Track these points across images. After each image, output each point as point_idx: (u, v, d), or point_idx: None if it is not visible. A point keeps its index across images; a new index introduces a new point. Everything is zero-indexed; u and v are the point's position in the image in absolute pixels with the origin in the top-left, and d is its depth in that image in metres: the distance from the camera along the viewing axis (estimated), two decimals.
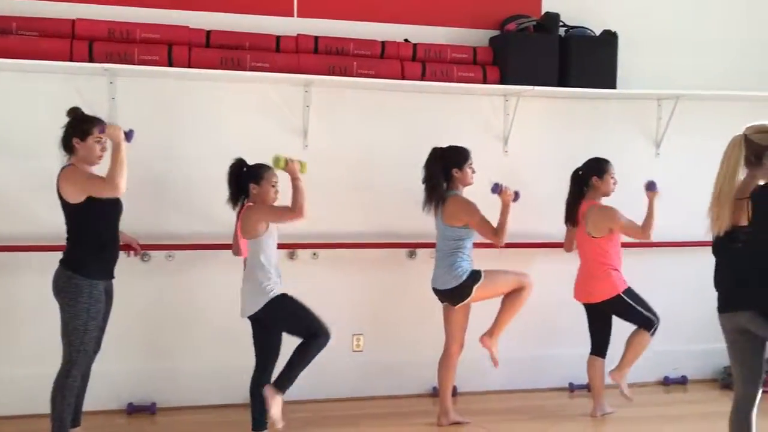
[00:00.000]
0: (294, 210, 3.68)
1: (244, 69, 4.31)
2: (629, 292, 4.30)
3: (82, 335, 3.45)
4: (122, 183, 3.41)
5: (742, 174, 3.09)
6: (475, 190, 4.18)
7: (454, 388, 4.61)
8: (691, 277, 5.14)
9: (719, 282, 3.30)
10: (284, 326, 3.82)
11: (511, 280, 4.12)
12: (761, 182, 3.10)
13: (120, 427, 4.19)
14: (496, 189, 4.10)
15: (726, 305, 3.23)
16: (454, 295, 4.10)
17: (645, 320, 4.28)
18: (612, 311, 4.37)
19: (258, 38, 4.43)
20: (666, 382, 5.15)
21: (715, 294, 5.13)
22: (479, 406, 4.58)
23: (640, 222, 4.29)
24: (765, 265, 3.05)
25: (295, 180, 3.70)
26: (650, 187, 4.33)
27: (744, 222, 3.06)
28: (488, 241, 4.12)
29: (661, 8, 5.17)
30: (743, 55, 5.25)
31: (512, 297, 4.12)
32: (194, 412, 4.40)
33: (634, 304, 4.28)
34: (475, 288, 4.04)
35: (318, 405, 4.56)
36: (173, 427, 4.20)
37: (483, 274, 4.07)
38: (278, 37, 4.47)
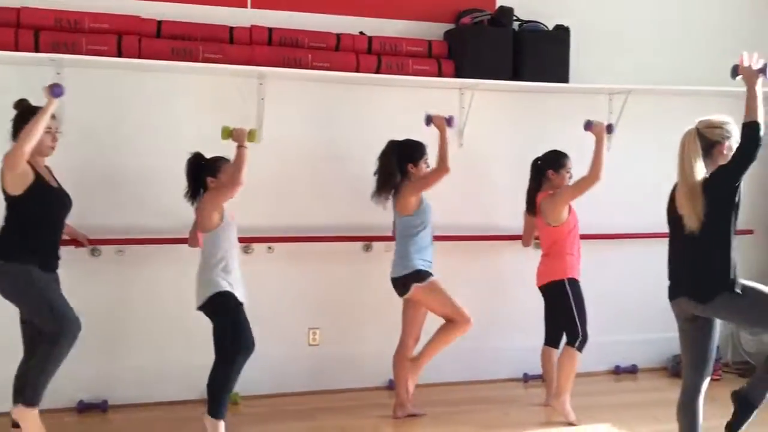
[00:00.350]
0: (232, 181, 3.64)
1: (196, 60, 4.24)
2: (575, 287, 4.25)
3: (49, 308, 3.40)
4: (27, 148, 3.31)
5: (701, 166, 3.17)
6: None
7: None
8: (640, 267, 5.27)
9: (670, 270, 3.40)
10: (216, 327, 3.71)
11: (449, 307, 4.05)
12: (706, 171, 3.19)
13: (70, 425, 4.10)
14: (429, 121, 4.16)
15: (672, 293, 3.33)
16: (399, 285, 4.12)
17: (573, 327, 4.19)
18: (554, 299, 4.33)
19: (211, 29, 4.37)
20: (616, 371, 5.26)
21: (664, 283, 5.29)
22: (435, 398, 4.60)
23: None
24: (701, 254, 3.17)
25: (239, 147, 3.68)
26: (587, 126, 4.31)
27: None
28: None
29: (613, 4, 5.25)
30: (691, 50, 5.37)
31: (446, 330, 4.07)
32: (147, 409, 4.33)
33: (572, 303, 4.21)
34: (413, 286, 4.05)
35: (274, 399, 4.54)
36: (126, 425, 4.13)
37: (428, 281, 4.06)
38: (231, 28, 4.41)
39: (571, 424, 4.20)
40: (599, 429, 4.15)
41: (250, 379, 4.36)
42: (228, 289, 3.71)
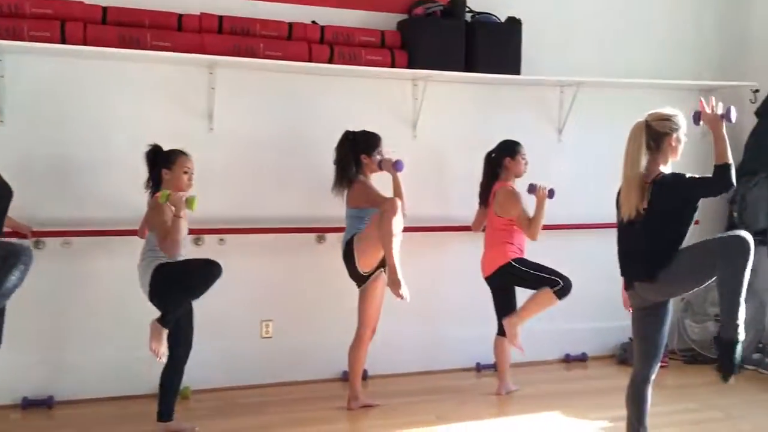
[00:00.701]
0: (163, 241, 3.60)
1: (144, 48, 4.14)
2: (521, 260, 4.38)
3: None
4: None
5: (644, 158, 3.21)
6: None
7: (365, 372, 4.63)
8: (590, 257, 5.35)
9: (622, 262, 3.44)
10: (169, 295, 3.63)
11: (375, 219, 3.95)
12: (662, 167, 3.25)
13: (14, 422, 3.99)
14: (532, 189, 4.31)
15: (627, 283, 3.38)
16: (346, 261, 4.11)
17: (547, 281, 4.28)
18: (509, 282, 4.41)
19: (158, 16, 4.26)
20: (567, 360, 5.34)
21: (612, 274, 5.39)
22: (389, 389, 4.61)
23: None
24: (657, 244, 3.20)
25: (175, 216, 3.59)
26: (530, 189, 4.42)
27: (644, 205, 3.19)
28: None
29: None
30: (640, 43, 5.46)
31: (378, 220, 3.93)
32: (94, 404, 4.23)
33: (528, 269, 4.34)
34: (354, 248, 4.03)
35: (227, 393, 4.48)
36: (72, 421, 4.03)
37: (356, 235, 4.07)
38: (180, 16, 4.32)
39: (516, 345, 4.27)
40: (550, 417, 4.20)
41: (201, 372, 4.33)
42: (159, 262, 3.64)
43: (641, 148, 3.21)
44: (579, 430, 4.03)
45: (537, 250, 4.75)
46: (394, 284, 3.88)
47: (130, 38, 4.13)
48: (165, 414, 3.76)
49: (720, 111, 3.13)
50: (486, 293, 4.54)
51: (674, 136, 3.23)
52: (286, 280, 4.69)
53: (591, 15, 5.36)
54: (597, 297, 5.37)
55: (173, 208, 3.59)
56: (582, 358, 5.37)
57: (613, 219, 5.37)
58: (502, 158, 4.46)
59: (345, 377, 4.54)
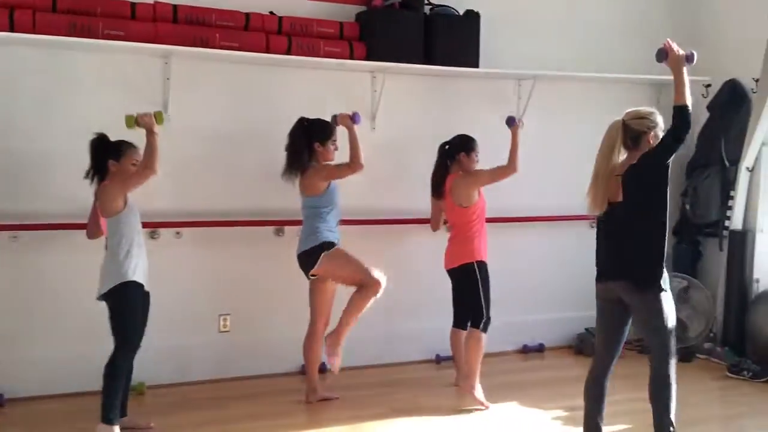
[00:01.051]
0: (145, 167, 3.53)
1: (96, 37, 4.05)
2: (483, 270, 4.32)
3: None
4: None
5: (620, 156, 3.25)
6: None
7: (323, 365, 4.62)
8: (547, 249, 5.43)
9: (597, 254, 3.45)
10: (114, 319, 3.58)
11: (360, 271, 4.02)
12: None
13: None
14: (334, 120, 4.19)
15: (602, 275, 3.38)
16: (304, 258, 4.09)
17: (478, 309, 4.25)
18: (462, 281, 4.39)
19: (111, 4, 4.18)
20: (525, 350, 5.40)
21: (568, 265, 5.49)
22: (348, 381, 4.60)
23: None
24: (636, 239, 3.23)
25: (150, 134, 3.55)
26: (510, 122, 4.45)
27: (620, 198, 3.22)
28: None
29: None
30: (595, 38, 5.54)
31: (360, 296, 4.05)
32: (47, 401, 4.14)
33: (480, 284, 4.28)
34: (323, 256, 4.02)
35: (183, 388, 4.42)
36: (23, 418, 3.93)
37: (336, 250, 4.05)
38: (134, 4, 4.24)
39: (480, 403, 4.25)
40: (507, 408, 4.24)
41: (156, 368, 4.27)
42: (132, 278, 3.58)
43: (616, 147, 3.26)
44: (535, 419, 4.07)
45: (498, 243, 4.80)
46: (334, 350, 4.02)
47: (81, 27, 4.04)
48: (109, 413, 3.55)
49: (684, 52, 3.18)
50: (444, 285, 4.56)
51: (651, 133, 3.26)
52: (244, 274, 4.65)
53: (548, 9, 5.41)
54: (554, 288, 5.45)
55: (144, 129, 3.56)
56: (539, 349, 5.43)
57: (571, 211, 5.49)
58: (457, 152, 4.46)
59: (303, 371, 4.52)
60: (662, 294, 3.22)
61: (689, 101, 3.11)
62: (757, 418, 4.11)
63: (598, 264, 3.43)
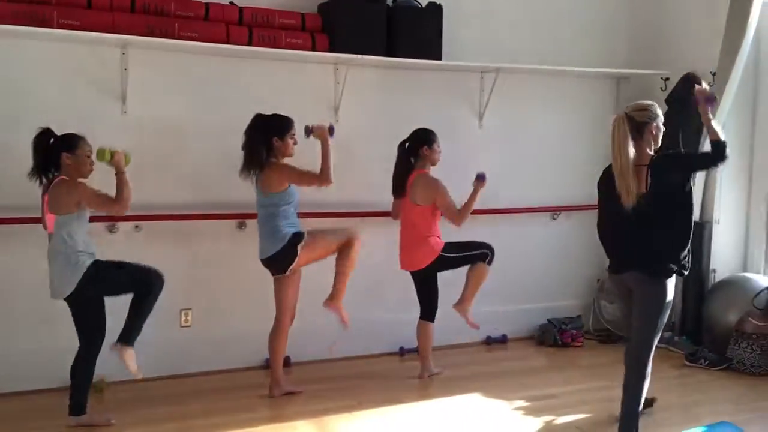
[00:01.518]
0: (118, 202, 3.57)
1: (50, 26, 3.94)
2: (448, 247, 4.45)
3: None
4: None
5: (631, 146, 3.39)
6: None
7: (288, 359, 4.60)
8: (509, 242, 5.46)
9: (613, 247, 3.65)
10: (110, 290, 3.65)
11: (335, 237, 4.12)
12: (649, 151, 3.46)
13: None
14: (308, 132, 4.06)
15: (617, 268, 3.59)
16: (280, 259, 4.04)
17: (478, 256, 4.46)
18: (442, 269, 4.48)
19: None
20: (488, 342, 5.44)
21: (530, 258, 5.54)
22: (313, 375, 4.59)
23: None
24: (652, 231, 3.40)
25: (120, 174, 3.60)
26: (480, 178, 4.48)
27: (643, 189, 3.39)
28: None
29: None
30: (558, 31, 5.57)
31: (343, 257, 4.12)
32: (3, 400, 4.04)
33: (458, 253, 4.44)
34: (299, 248, 4.00)
35: (145, 383, 4.31)
36: None
37: (306, 235, 4.04)
38: None
39: (471, 323, 4.56)
40: (470, 399, 4.27)
41: (117, 364, 4.18)
42: (90, 261, 3.57)
43: (627, 137, 3.40)
44: (497, 410, 4.10)
45: (461, 236, 4.80)
46: (340, 310, 4.18)
47: (35, 16, 3.92)
48: (77, 408, 3.64)
49: (704, 96, 3.44)
50: (408, 278, 4.57)
51: (653, 124, 3.46)
52: (206, 268, 4.59)
53: (510, 2, 5.42)
54: (517, 280, 5.49)
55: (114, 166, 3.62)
56: (502, 340, 5.47)
57: (532, 203, 5.55)
58: (419, 147, 4.46)
59: (267, 365, 4.49)
60: (666, 283, 3.42)
61: (722, 136, 3.36)
62: (713, 405, 4.20)
63: (613, 257, 3.64)
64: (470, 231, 5.14)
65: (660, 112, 3.53)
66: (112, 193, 3.61)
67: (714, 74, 5.11)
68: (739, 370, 4.74)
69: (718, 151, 3.38)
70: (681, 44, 5.59)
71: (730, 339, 4.79)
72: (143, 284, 3.66)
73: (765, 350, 4.70)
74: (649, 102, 3.55)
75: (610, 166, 3.51)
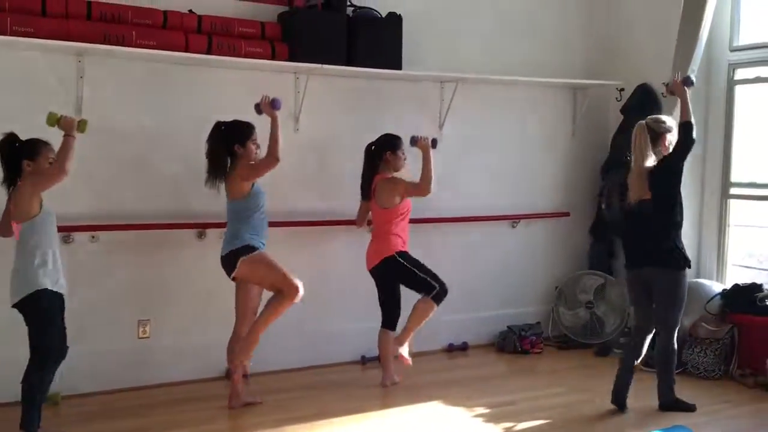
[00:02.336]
0: (58, 169, 3.44)
1: (3, 33, 3.87)
2: (406, 256, 4.44)
3: None
4: None
5: (650, 152, 4.01)
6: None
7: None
8: (470, 250, 5.52)
9: (627, 244, 4.25)
10: (29, 330, 3.48)
11: (279, 276, 3.94)
12: (657, 159, 4.02)
13: None
14: (258, 109, 4.08)
15: (632, 263, 4.17)
16: (225, 262, 4.03)
17: (426, 285, 4.42)
18: (391, 275, 4.47)
19: (20, 0, 4.00)
20: (449, 349, 5.47)
21: (491, 266, 5.60)
22: (273, 385, 4.56)
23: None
24: (660, 230, 4.01)
25: (66, 136, 3.49)
26: (412, 142, 4.49)
27: (648, 196, 4.03)
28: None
29: None
30: (515, 43, 5.65)
31: (274, 302, 4.01)
32: None
33: (410, 266, 4.42)
34: (240, 260, 3.96)
35: (102, 397, 4.28)
36: None
37: (255, 254, 3.97)
38: (44, 0, 4.06)
39: (403, 358, 4.47)
40: (431, 406, 4.28)
41: (72, 377, 4.12)
42: (47, 286, 3.47)
43: (648, 143, 4.02)
44: (458, 417, 4.13)
45: (422, 244, 4.84)
46: (246, 355, 4.05)
47: None
48: (28, 424, 3.50)
49: (681, 78, 4.13)
50: (370, 287, 4.57)
51: (667, 136, 4.05)
52: (165, 278, 4.54)
53: (469, 13, 5.49)
54: (477, 288, 5.54)
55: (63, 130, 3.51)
56: (463, 348, 5.51)
57: (492, 211, 5.63)
58: (383, 152, 4.50)
59: (227, 376, 4.45)
60: (681, 274, 4.04)
61: (692, 119, 3.97)
62: None
63: (627, 253, 4.23)
64: (431, 238, 5.20)
65: (674, 126, 4.05)
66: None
67: (667, 85, 5.23)
68: (693, 374, 4.86)
69: (686, 131, 3.97)
70: (635, 56, 5.73)
71: (685, 344, 4.90)
72: (39, 350, 3.49)
73: (718, 355, 4.82)
74: (666, 117, 4.18)
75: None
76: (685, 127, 3.98)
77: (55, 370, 3.58)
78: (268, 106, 4.03)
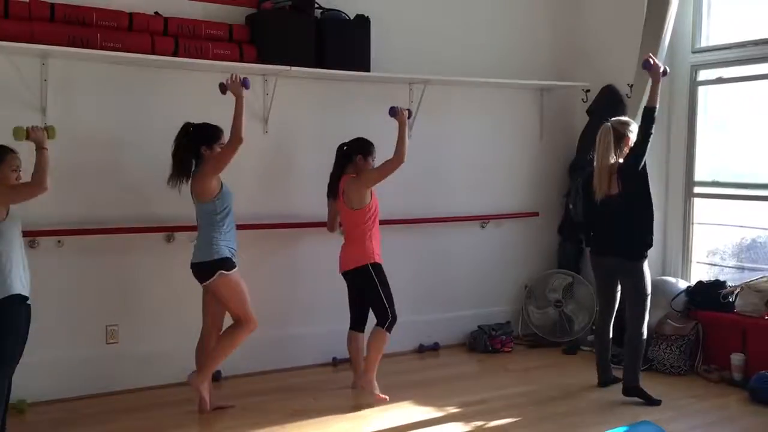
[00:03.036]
0: (37, 183, 3.38)
1: None
2: (379, 270, 4.39)
3: None
4: None
5: (612, 152, 4.23)
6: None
7: (219, 373, 4.55)
8: (439, 250, 5.55)
9: (596, 234, 4.51)
10: None
11: (243, 306, 4.04)
12: (620, 160, 4.27)
13: None
14: (223, 89, 4.04)
15: (600, 251, 4.45)
16: (202, 269, 4.01)
17: (382, 309, 4.36)
18: (360, 284, 4.44)
19: None
20: (420, 350, 5.49)
21: (461, 266, 5.66)
22: (245, 389, 4.54)
23: None
24: (630, 225, 4.25)
25: (41, 149, 3.42)
26: (392, 112, 4.44)
27: (615, 191, 4.26)
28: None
29: None
30: (483, 44, 5.69)
31: (228, 333, 4.06)
32: None
33: (378, 283, 4.36)
34: (218, 274, 3.96)
35: (70, 403, 4.23)
36: None
37: (233, 272, 4.00)
38: (6, 1, 4.01)
39: (379, 398, 4.33)
40: (403, 407, 4.30)
41: (38, 383, 4.08)
42: (16, 291, 3.37)
43: (610, 145, 4.24)
44: (429, 417, 4.15)
45: (391, 245, 4.84)
46: (201, 384, 4.04)
47: None
48: None
49: (662, 68, 4.24)
50: (340, 289, 4.57)
51: (630, 137, 4.26)
52: (132, 283, 4.50)
53: (438, 15, 5.52)
54: (447, 288, 5.58)
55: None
56: (434, 348, 5.53)
57: (462, 212, 5.67)
58: (355, 154, 4.48)
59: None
60: (644, 264, 4.28)
61: (657, 104, 4.13)
62: (634, 405, 4.34)
63: (594, 241, 4.51)
64: (401, 239, 5.22)
65: (636, 128, 4.25)
66: None
67: (631, 86, 5.33)
68: (659, 370, 4.94)
69: (648, 115, 4.14)
70: (600, 58, 5.81)
71: (651, 340, 4.98)
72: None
73: (683, 351, 4.91)
74: (629, 119, 4.40)
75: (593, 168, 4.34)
76: (648, 112, 4.14)
77: (10, 379, 3.48)
78: (237, 85, 3.98)
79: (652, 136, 4.19)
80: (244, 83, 4.01)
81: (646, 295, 4.34)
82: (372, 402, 4.32)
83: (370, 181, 4.39)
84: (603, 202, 4.29)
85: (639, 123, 4.25)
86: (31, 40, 3.98)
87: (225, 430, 3.92)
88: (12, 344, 3.41)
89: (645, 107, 4.19)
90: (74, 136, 4.24)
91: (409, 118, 4.50)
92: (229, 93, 4.02)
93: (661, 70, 4.21)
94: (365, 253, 4.38)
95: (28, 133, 3.43)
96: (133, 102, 4.44)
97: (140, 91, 4.45)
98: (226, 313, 4.16)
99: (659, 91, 4.17)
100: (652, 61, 4.20)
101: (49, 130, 3.49)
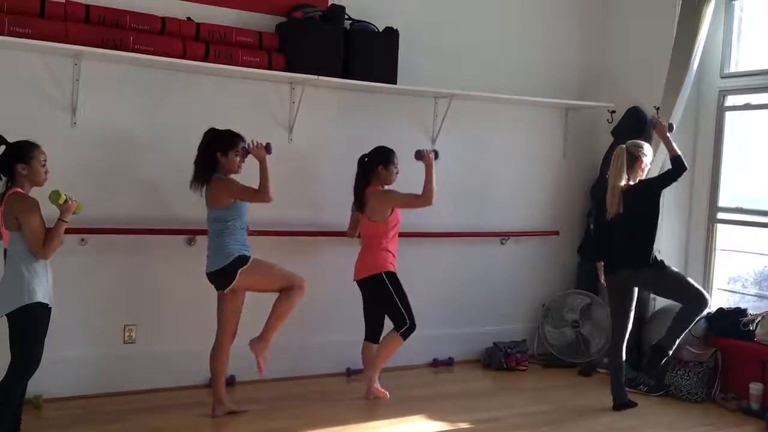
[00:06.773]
0: (46, 248, 3.37)
1: (1, 33, 3.87)
2: (393, 279, 4.42)
3: None
4: None
5: (626, 173, 4.41)
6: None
7: (232, 378, 4.56)
8: (458, 265, 5.53)
9: (607, 251, 4.65)
10: (16, 340, 3.39)
11: (280, 277, 4.06)
12: (631, 182, 4.43)
13: None
14: (419, 156, 4.37)
15: (611, 267, 4.57)
16: (220, 277, 4.03)
17: (399, 317, 4.39)
18: (375, 293, 4.46)
19: (19, 1, 4.00)
20: (434, 364, 5.47)
21: (477, 282, 5.64)
22: (259, 395, 4.55)
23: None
24: (635, 239, 4.41)
25: (61, 220, 3.42)
26: (417, 156, 4.45)
27: (621, 210, 4.43)
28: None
29: (439, 11, 5.43)
30: (510, 62, 5.69)
31: (282, 299, 4.08)
32: None
33: (393, 292, 4.38)
34: (239, 272, 3.98)
35: (85, 401, 4.26)
36: None
37: (251, 260, 4.02)
38: (43, 2, 4.07)
39: (378, 392, 4.41)
40: (414, 421, 4.28)
41: (55, 380, 4.11)
42: (40, 299, 3.38)
43: (624, 165, 4.42)
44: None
45: (410, 258, 4.85)
46: (263, 353, 4.09)
47: None
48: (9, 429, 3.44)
49: (665, 124, 4.44)
50: (356, 298, 4.58)
51: (644, 160, 4.45)
52: (152, 284, 4.53)
53: (465, 30, 5.52)
54: (464, 304, 5.56)
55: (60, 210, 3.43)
56: (448, 363, 5.51)
57: (482, 228, 5.67)
58: (376, 165, 4.51)
59: (210, 383, 4.42)
60: (660, 267, 4.42)
61: (679, 152, 4.32)
62: (648, 429, 4.31)
63: (606, 259, 4.65)
64: (419, 251, 5.22)
65: (650, 153, 4.49)
66: None
67: (658, 108, 5.30)
68: (676, 396, 4.89)
69: (679, 164, 4.32)
70: (627, 79, 5.79)
71: (668, 366, 4.93)
72: (18, 364, 3.41)
73: (701, 378, 4.85)
74: (644, 143, 4.52)
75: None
76: (675, 161, 4.33)
77: (28, 380, 3.51)
78: (261, 149, 4.03)
79: (676, 180, 4.39)
80: (267, 149, 4.05)
81: (685, 278, 4.48)
82: (383, 413, 4.31)
83: (392, 204, 4.45)
84: (613, 220, 4.46)
85: (651, 154, 4.54)
86: (66, 40, 4.03)
87: None
88: (34, 349, 3.42)
89: (672, 157, 4.34)
90: (102, 135, 4.30)
91: (436, 159, 4.46)
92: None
93: (665, 126, 4.41)
94: (379, 262, 4.40)
95: (66, 201, 3.43)
96: (162, 105, 4.49)
97: (170, 94, 4.50)
98: (240, 318, 4.17)
99: (672, 142, 4.36)
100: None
101: (78, 206, 3.51)
